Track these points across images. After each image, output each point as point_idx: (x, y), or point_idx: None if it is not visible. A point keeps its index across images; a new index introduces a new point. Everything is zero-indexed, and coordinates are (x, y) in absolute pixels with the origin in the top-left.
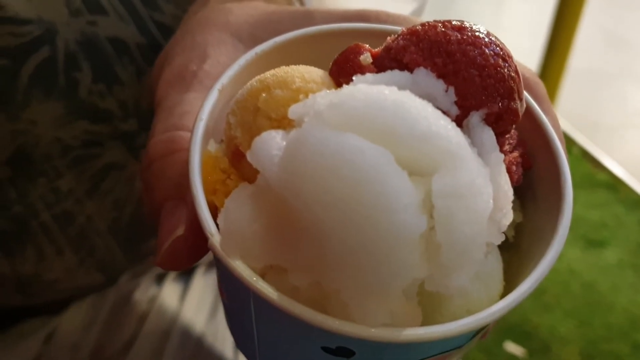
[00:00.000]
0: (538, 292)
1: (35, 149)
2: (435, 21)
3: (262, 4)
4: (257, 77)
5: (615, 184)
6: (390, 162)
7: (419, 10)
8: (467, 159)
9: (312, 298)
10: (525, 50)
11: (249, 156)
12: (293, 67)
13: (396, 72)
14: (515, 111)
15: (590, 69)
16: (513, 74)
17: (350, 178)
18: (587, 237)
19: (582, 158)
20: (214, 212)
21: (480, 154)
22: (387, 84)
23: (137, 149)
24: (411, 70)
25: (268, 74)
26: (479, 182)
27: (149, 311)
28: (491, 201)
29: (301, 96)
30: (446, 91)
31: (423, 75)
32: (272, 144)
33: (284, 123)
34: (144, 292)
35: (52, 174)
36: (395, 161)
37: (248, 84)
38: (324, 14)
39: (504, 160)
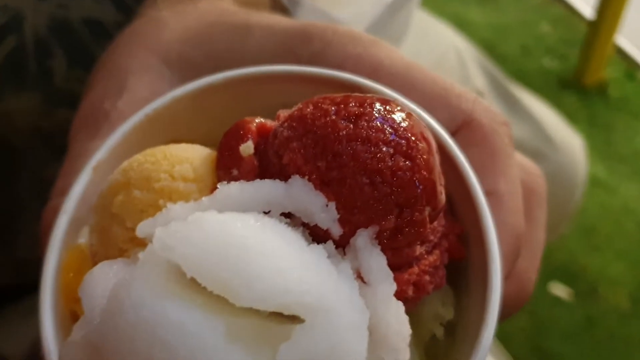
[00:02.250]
0: (586, 231)
1: (15, 141)
2: (331, 98)
3: (218, 6)
4: (125, 164)
5: None
6: (216, 339)
7: None
8: (332, 312)
9: None
10: None
11: (79, 291)
12: (170, 148)
13: (267, 182)
14: (421, 222)
15: None
16: (422, 174)
17: None
18: None
19: None
20: (75, 320)
21: (367, 283)
22: (255, 197)
23: None
24: (288, 176)
25: (136, 159)
26: (346, 340)
27: None
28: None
29: (161, 201)
30: (326, 206)
31: (299, 186)
32: (101, 284)
33: None
34: None
35: (37, 164)
36: (225, 334)
37: (115, 170)
38: (263, 32)
39: (412, 273)
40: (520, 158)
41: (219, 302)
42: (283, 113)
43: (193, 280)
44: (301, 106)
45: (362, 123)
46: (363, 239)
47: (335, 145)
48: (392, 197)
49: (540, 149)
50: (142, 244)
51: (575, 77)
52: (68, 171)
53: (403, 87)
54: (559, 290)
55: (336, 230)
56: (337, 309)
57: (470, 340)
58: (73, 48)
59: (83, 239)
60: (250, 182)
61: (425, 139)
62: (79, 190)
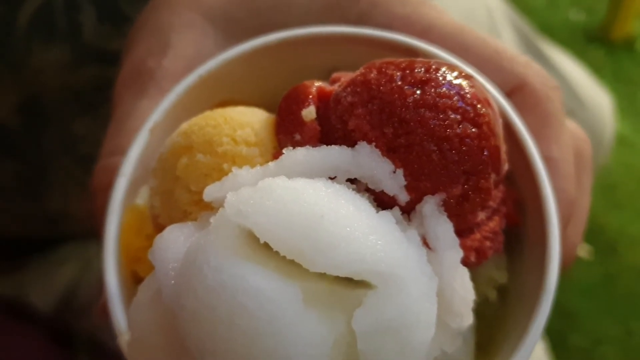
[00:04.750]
0: (608, 189)
1: (44, 97)
2: (396, 63)
3: None
4: (184, 126)
5: None
6: (294, 305)
7: None
8: (403, 280)
9: None
10: None
11: (149, 254)
12: (229, 112)
13: (334, 148)
14: (486, 189)
15: None
16: (488, 141)
17: (245, 327)
18: None
19: None
20: (139, 280)
21: (433, 249)
22: (322, 163)
23: None
24: (354, 142)
25: (196, 123)
26: (416, 308)
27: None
28: (432, 329)
29: (225, 165)
30: (393, 172)
31: (366, 152)
32: (172, 247)
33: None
34: None
35: (66, 120)
36: (302, 300)
37: (174, 133)
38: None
39: (474, 239)
40: (568, 122)
41: (291, 266)
42: (341, 76)
43: (265, 244)
44: (364, 71)
45: (429, 89)
46: (430, 206)
47: (402, 112)
48: (460, 164)
49: (569, 106)
50: (207, 207)
51: (602, 30)
52: (116, 131)
53: (455, 49)
54: (579, 247)
55: (403, 197)
56: (408, 276)
57: (526, 305)
58: (103, 3)
59: (140, 199)
60: (317, 148)
61: (490, 105)
62: (137, 153)
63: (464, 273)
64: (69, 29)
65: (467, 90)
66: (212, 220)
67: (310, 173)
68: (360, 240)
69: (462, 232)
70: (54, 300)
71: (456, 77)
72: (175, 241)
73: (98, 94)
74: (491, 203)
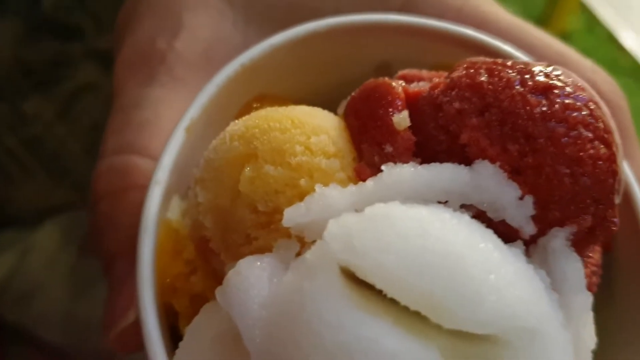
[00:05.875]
0: None
1: None
2: (506, 65)
3: None
4: (238, 128)
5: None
6: None
7: None
8: (550, 336)
9: None
10: None
11: (219, 296)
12: (293, 112)
13: (448, 167)
14: (612, 220)
15: None
16: (617, 162)
17: None
18: None
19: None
20: (171, 314)
21: (560, 291)
22: (433, 184)
23: (113, 68)
24: (465, 158)
25: (255, 125)
26: None
27: None
28: None
29: (303, 181)
30: (520, 199)
31: (489, 173)
32: (254, 288)
33: (274, 220)
34: None
35: (16, 97)
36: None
37: (226, 133)
38: None
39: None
40: None
41: (412, 319)
42: (414, 75)
43: (370, 288)
44: (467, 72)
45: (555, 99)
46: (559, 241)
47: (529, 125)
48: (591, 190)
49: None
50: (277, 231)
51: (538, 25)
52: (123, 124)
53: (517, 47)
54: None
55: (529, 230)
56: (553, 331)
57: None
58: None
59: (171, 213)
60: (426, 166)
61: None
62: (172, 157)
63: (590, 318)
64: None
65: (593, 103)
66: (308, 255)
67: (418, 196)
68: (509, 291)
69: None
70: None
71: (576, 86)
72: (257, 279)
73: (53, 71)
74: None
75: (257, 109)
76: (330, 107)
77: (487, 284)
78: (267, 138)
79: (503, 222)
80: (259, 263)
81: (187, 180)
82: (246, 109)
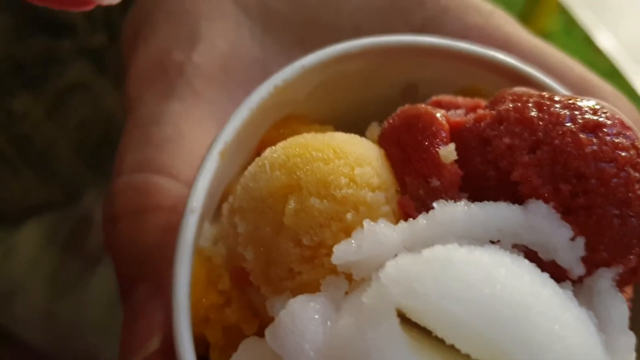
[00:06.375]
0: None
1: None
2: (552, 98)
3: None
4: (278, 156)
5: None
6: None
7: None
8: None
9: None
10: None
11: (269, 336)
12: (333, 140)
13: (502, 206)
14: None
15: None
16: None
17: None
18: None
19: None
20: (200, 344)
21: (602, 329)
22: (487, 224)
23: (106, 67)
24: (514, 196)
25: (296, 153)
26: None
27: None
28: None
29: (349, 215)
30: (572, 240)
31: (543, 214)
32: (308, 330)
33: (319, 255)
34: None
35: (5, 95)
36: None
37: (265, 161)
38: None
39: None
40: None
41: None
42: (449, 101)
43: (416, 326)
44: (514, 105)
45: (604, 137)
46: (606, 281)
47: (581, 165)
48: (637, 231)
49: None
50: (321, 266)
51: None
52: (142, 141)
53: (540, 69)
54: None
55: (579, 271)
56: None
57: None
58: None
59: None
60: (479, 204)
61: None
62: (206, 182)
63: (633, 359)
64: None
65: (638, 140)
66: (365, 299)
67: (471, 235)
68: (572, 339)
69: None
70: None
71: (622, 123)
72: (311, 322)
73: (43, 69)
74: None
75: (284, 131)
76: (353, 128)
77: (553, 333)
78: (311, 168)
79: (553, 263)
80: (312, 304)
81: (216, 205)
82: (274, 131)
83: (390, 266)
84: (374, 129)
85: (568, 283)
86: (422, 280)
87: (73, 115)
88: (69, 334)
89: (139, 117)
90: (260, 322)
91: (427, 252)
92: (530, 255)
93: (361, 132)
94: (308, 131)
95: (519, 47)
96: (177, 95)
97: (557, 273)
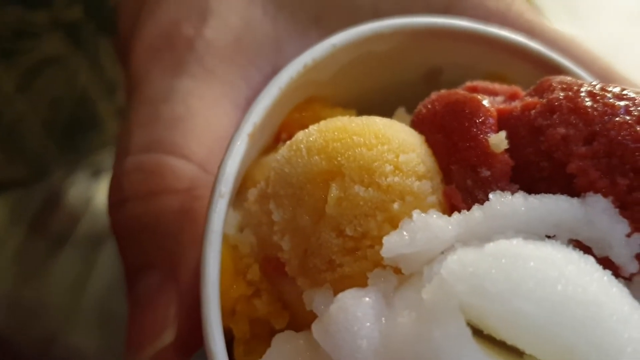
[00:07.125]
0: None
1: None
2: (606, 89)
3: None
4: (315, 140)
5: None
6: None
7: None
8: None
9: None
10: None
11: (317, 334)
12: (374, 125)
13: (561, 200)
14: None
15: None
16: None
17: None
18: None
19: None
20: (228, 339)
21: None
22: (544, 218)
23: (82, 42)
24: (576, 190)
25: (335, 137)
26: None
27: (83, 213)
28: None
29: (395, 205)
30: (628, 237)
31: (601, 208)
32: (363, 327)
33: (362, 246)
34: (78, 190)
35: None
36: None
37: (301, 145)
38: None
39: None
40: None
41: None
42: (486, 87)
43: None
44: (566, 94)
45: None
46: None
47: (638, 159)
48: None
49: None
50: (364, 258)
51: None
52: (152, 119)
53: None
54: None
55: (632, 268)
56: None
57: None
58: None
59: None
60: (537, 197)
61: None
62: (235, 166)
63: None
64: None
65: None
66: (426, 296)
67: (529, 229)
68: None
69: None
70: None
71: None
72: (366, 318)
73: (17, 42)
74: None
75: (306, 114)
76: (375, 112)
77: (625, 334)
78: (353, 154)
79: (605, 259)
80: (367, 299)
81: (240, 190)
82: (297, 113)
83: (453, 262)
84: (402, 114)
85: (620, 280)
86: (493, 278)
87: (45, 91)
88: (33, 317)
89: (147, 93)
90: (290, 315)
91: (491, 247)
92: (584, 251)
93: (385, 117)
94: (331, 115)
95: (542, 35)
96: (187, 72)
97: (609, 270)
